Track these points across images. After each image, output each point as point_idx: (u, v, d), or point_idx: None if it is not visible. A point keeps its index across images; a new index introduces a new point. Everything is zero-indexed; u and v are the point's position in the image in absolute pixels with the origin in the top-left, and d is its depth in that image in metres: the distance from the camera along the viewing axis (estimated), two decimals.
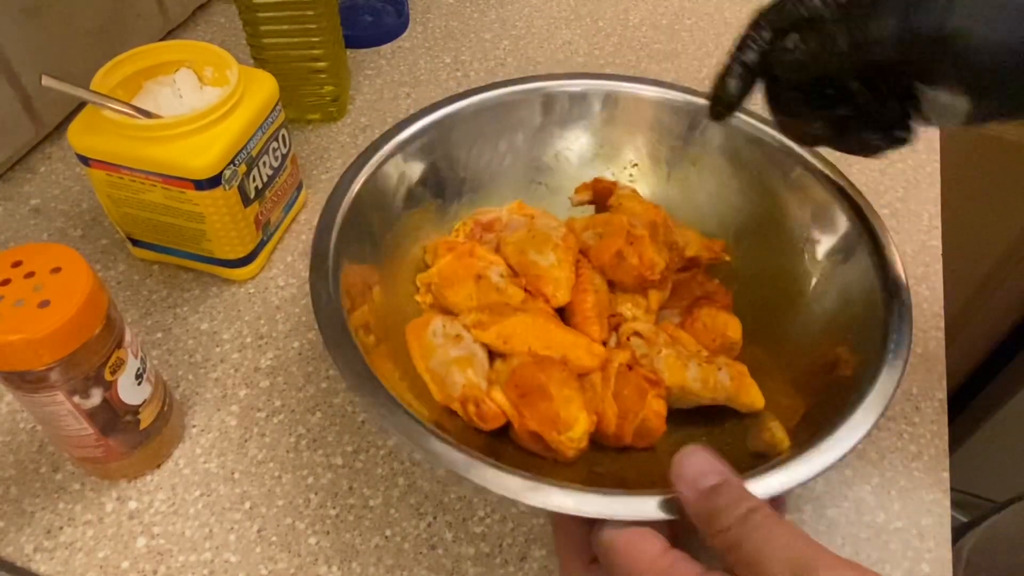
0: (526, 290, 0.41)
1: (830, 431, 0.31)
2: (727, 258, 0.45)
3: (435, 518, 0.39)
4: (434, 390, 0.38)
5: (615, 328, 0.41)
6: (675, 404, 0.39)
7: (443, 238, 0.45)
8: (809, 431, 0.32)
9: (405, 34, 0.72)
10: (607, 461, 0.37)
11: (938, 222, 0.55)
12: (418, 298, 0.43)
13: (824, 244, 0.42)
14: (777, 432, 0.35)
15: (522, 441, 0.37)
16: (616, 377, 0.37)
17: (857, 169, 0.59)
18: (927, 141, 0.62)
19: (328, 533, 0.38)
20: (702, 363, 0.38)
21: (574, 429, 0.35)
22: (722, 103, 0.35)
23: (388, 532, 0.39)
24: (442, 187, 0.46)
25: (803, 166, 0.43)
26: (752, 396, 0.38)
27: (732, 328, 0.41)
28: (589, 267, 0.42)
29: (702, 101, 0.37)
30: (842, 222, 0.41)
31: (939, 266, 0.52)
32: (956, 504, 0.43)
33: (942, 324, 0.49)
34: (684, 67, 0.69)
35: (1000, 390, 1.04)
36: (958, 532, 0.80)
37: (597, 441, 0.38)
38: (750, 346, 0.42)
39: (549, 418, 0.35)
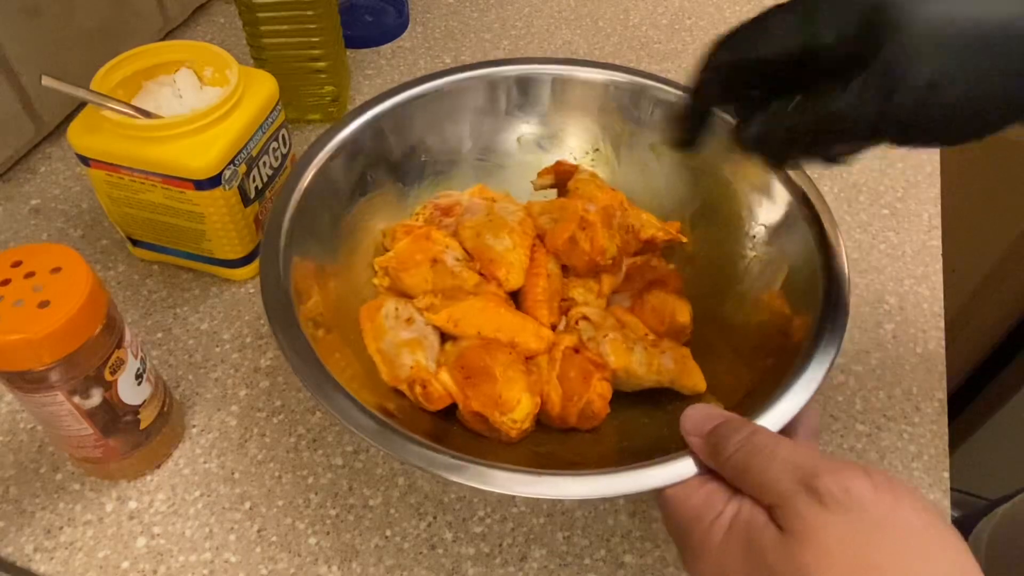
0: (480, 274, 0.42)
1: (783, 384, 0.33)
2: (683, 239, 0.46)
3: (435, 518, 0.39)
4: (383, 371, 0.39)
5: (565, 312, 0.42)
6: (620, 387, 0.40)
7: (402, 222, 0.45)
8: (751, 404, 0.33)
9: (405, 34, 0.72)
10: (551, 442, 0.38)
11: (938, 222, 0.55)
12: (376, 281, 0.43)
13: (768, 225, 0.43)
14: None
15: (468, 422, 0.37)
16: (562, 360, 0.38)
17: (857, 169, 0.59)
18: None
19: (328, 533, 0.38)
20: (647, 347, 0.40)
21: (516, 411, 0.36)
22: (682, 144, 0.37)
23: (388, 532, 0.39)
24: (402, 171, 0.46)
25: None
26: (694, 379, 0.39)
27: (680, 312, 0.42)
28: (544, 251, 0.43)
29: (651, 83, 0.40)
30: (783, 203, 0.42)
31: (939, 266, 0.52)
32: (956, 504, 0.43)
33: (942, 324, 0.49)
34: (684, 67, 0.69)
35: (1000, 390, 1.04)
36: (975, 517, 0.80)
37: (543, 422, 0.39)
38: (702, 327, 0.43)
39: (492, 399, 0.36)
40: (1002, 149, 0.82)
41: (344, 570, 0.37)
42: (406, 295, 0.42)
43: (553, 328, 0.41)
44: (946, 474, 0.42)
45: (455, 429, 0.38)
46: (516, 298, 0.42)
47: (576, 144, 0.50)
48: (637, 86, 0.47)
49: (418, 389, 0.37)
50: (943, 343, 0.48)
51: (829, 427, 0.44)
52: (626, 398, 0.40)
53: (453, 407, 0.38)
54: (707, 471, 0.29)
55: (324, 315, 0.38)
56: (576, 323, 0.41)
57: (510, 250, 0.41)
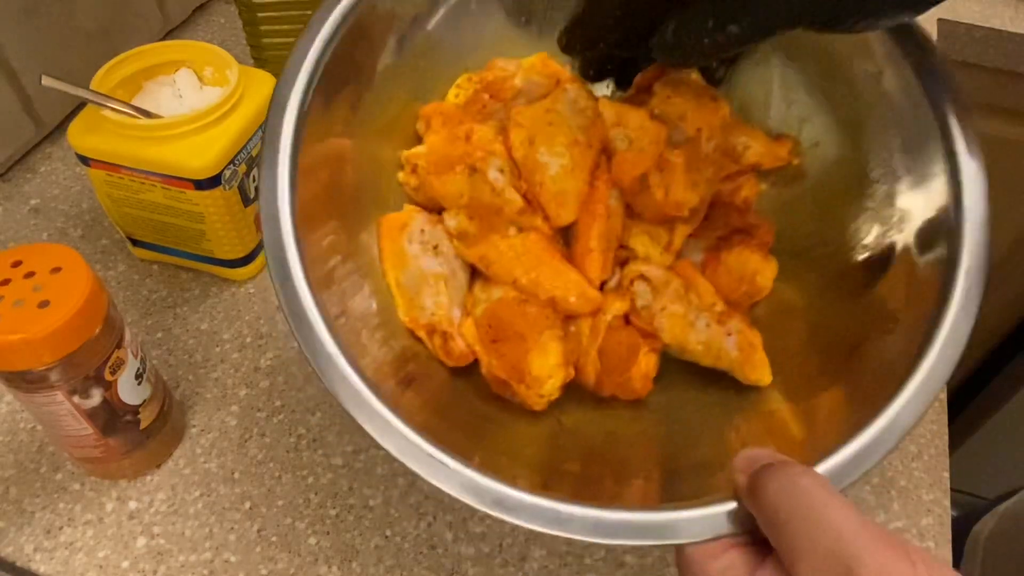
0: (526, 198, 0.34)
1: (876, 410, 0.26)
2: (795, 161, 0.36)
3: (435, 518, 0.39)
4: (401, 307, 0.33)
5: (621, 264, 0.35)
6: (671, 355, 0.35)
7: (438, 104, 0.37)
8: (828, 421, 0.28)
9: None
10: (580, 412, 0.33)
11: None
12: (401, 177, 0.36)
13: (905, 181, 0.32)
14: (783, 412, 0.31)
15: (489, 382, 0.34)
16: (607, 332, 0.33)
17: None
18: None
19: (328, 533, 0.38)
20: (711, 322, 0.33)
21: (545, 385, 0.32)
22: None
23: (388, 532, 0.39)
24: (440, 22, 0.36)
25: (903, 66, 0.31)
26: (759, 372, 0.33)
27: (763, 274, 0.35)
28: (607, 178, 0.34)
29: None
30: (936, 154, 0.30)
31: None
32: (956, 504, 0.43)
33: None
34: None
35: (1000, 390, 1.04)
36: (972, 517, 0.79)
37: (572, 384, 0.34)
38: (782, 284, 0.35)
39: (520, 369, 0.32)
40: (1002, 149, 0.82)
41: (344, 570, 0.37)
42: (435, 204, 0.35)
43: (603, 285, 0.35)
44: (946, 474, 0.42)
45: (471, 388, 0.34)
46: (565, 233, 0.35)
47: None
48: None
49: (437, 341, 0.33)
50: None
51: None
52: (675, 364, 0.35)
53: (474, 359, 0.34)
54: (740, 528, 0.25)
55: (338, 240, 0.31)
56: (631, 284, 0.34)
57: (567, 173, 0.33)
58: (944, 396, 0.45)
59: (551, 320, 0.33)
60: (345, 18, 0.31)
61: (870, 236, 0.33)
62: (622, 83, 0.38)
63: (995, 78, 0.77)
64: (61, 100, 0.56)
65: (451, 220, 0.34)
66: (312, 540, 0.38)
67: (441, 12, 0.35)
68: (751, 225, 0.36)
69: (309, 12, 0.53)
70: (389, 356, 0.31)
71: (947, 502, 0.41)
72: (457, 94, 0.37)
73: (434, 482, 0.25)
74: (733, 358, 0.33)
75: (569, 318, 0.34)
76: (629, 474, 0.30)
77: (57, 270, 0.32)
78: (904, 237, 0.31)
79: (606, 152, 0.35)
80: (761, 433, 0.32)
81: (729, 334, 0.33)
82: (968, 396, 1.10)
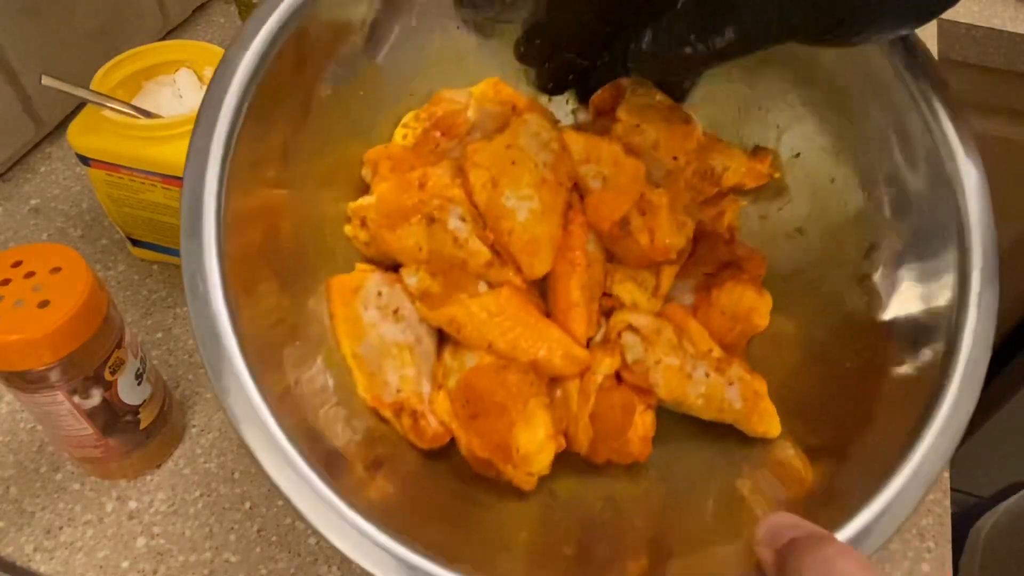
0: (494, 250, 0.30)
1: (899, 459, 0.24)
2: (776, 174, 0.33)
3: None
4: (361, 384, 0.29)
5: (606, 314, 0.32)
6: (666, 407, 0.32)
7: (384, 147, 0.33)
8: (836, 458, 0.26)
9: None
10: (573, 479, 0.30)
11: None
12: (349, 230, 0.32)
13: (901, 197, 0.30)
14: (794, 461, 0.29)
15: (470, 462, 0.30)
16: (598, 394, 0.30)
17: None
18: None
19: None
20: (710, 371, 0.30)
21: (534, 462, 0.28)
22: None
23: None
24: (380, 42, 0.32)
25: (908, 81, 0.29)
26: (766, 423, 0.30)
27: (759, 311, 0.32)
28: (582, 221, 0.31)
29: None
30: (930, 156, 0.28)
31: None
32: (956, 504, 0.43)
33: None
34: None
35: (1000, 390, 1.04)
36: (972, 516, 0.79)
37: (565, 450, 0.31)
38: (776, 315, 0.33)
39: (503, 447, 0.28)
40: (1003, 149, 0.82)
41: (344, 570, 0.37)
42: (390, 260, 0.31)
43: (589, 341, 0.31)
44: (946, 474, 0.42)
45: (451, 468, 0.30)
46: (540, 284, 0.32)
47: None
48: None
49: (407, 421, 0.29)
50: None
51: None
52: (669, 413, 0.32)
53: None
54: None
55: (280, 307, 0.28)
56: (619, 336, 0.31)
57: (537, 218, 0.29)
58: None
59: (535, 386, 0.29)
60: (283, 28, 0.26)
61: (862, 249, 0.31)
62: (583, 96, 0.35)
63: (995, 78, 0.77)
64: (61, 100, 0.56)
65: (410, 278, 0.30)
66: (312, 540, 0.38)
67: (381, 27, 0.31)
68: (740, 257, 0.33)
69: None
70: (354, 439, 0.27)
71: (947, 502, 0.41)
72: (405, 135, 0.33)
73: None
74: (737, 410, 0.30)
75: (555, 380, 0.30)
76: (633, 551, 0.27)
77: (57, 270, 0.32)
78: (901, 246, 0.29)
79: (577, 190, 0.32)
80: (772, 483, 0.29)
81: (731, 383, 0.30)
82: None
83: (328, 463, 0.23)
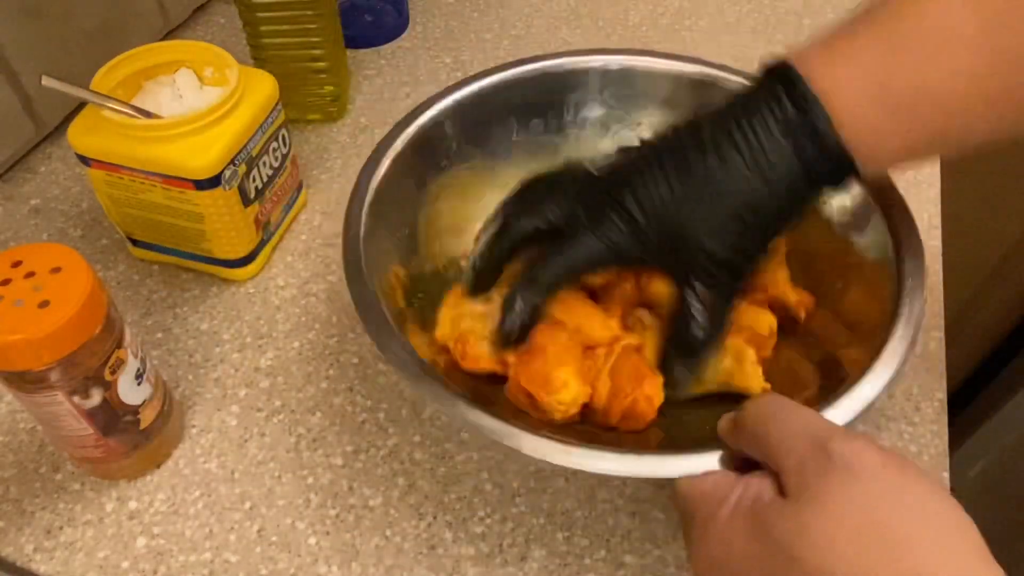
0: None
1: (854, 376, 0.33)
2: (802, 314, 0.41)
3: (435, 518, 0.39)
4: (441, 328, 0.40)
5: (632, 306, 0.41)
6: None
7: (453, 298, 0.42)
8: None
9: (405, 34, 0.71)
10: (590, 436, 0.37)
11: (938, 222, 0.55)
12: (438, 334, 0.41)
13: (843, 215, 0.42)
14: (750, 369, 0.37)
15: (513, 397, 0.38)
16: (619, 355, 0.38)
17: None
18: None
19: (328, 533, 0.38)
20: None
21: (563, 392, 0.36)
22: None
23: (388, 532, 0.39)
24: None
25: None
26: (750, 381, 0.38)
27: (760, 323, 0.39)
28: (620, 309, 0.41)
29: (718, 72, 0.41)
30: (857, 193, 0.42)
31: (939, 266, 0.52)
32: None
33: (942, 324, 0.49)
34: None
35: (1000, 390, 1.04)
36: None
37: (587, 419, 0.38)
38: (782, 339, 0.41)
39: (540, 377, 0.36)
40: (1002, 149, 0.82)
41: (344, 570, 0.37)
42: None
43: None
44: (946, 474, 0.42)
45: (499, 401, 0.38)
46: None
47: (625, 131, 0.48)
48: (708, 78, 0.45)
49: (458, 347, 0.38)
50: (943, 343, 0.48)
51: None
52: (675, 404, 0.38)
53: (500, 380, 0.38)
54: (727, 468, 0.29)
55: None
56: (638, 315, 0.40)
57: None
58: (944, 396, 0.45)
59: (572, 342, 0.38)
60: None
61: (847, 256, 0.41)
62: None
63: None
64: (61, 100, 0.56)
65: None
66: (312, 540, 0.38)
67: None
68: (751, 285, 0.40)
69: (309, 12, 0.54)
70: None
71: None
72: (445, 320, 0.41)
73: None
74: (728, 368, 0.38)
75: (589, 348, 0.38)
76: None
77: (57, 270, 0.32)
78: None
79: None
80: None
81: (725, 354, 0.38)
82: (968, 396, 1.10)
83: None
